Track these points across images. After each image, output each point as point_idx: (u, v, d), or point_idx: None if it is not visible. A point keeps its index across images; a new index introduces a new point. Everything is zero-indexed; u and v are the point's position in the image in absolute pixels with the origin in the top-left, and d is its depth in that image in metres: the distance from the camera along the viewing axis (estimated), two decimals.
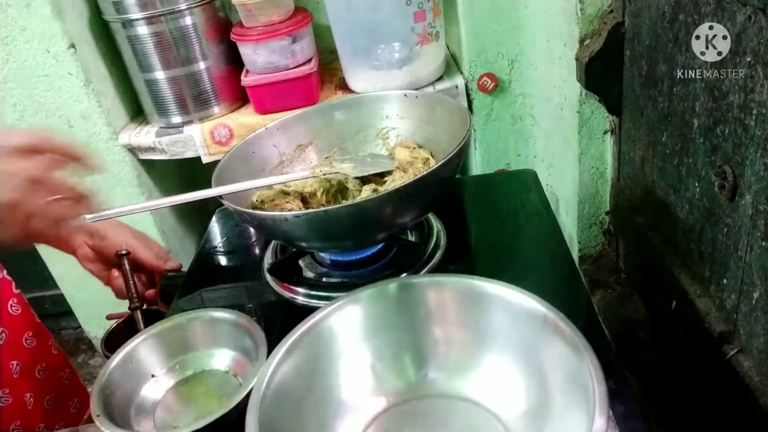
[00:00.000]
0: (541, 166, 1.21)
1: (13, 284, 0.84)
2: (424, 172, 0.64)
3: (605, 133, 0.93)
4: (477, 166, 1.30)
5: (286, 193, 0.79)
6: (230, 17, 1.28)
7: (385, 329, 0.56)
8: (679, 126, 0.67)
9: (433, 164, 0.70)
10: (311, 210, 0.64)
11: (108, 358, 0.64)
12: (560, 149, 1.06)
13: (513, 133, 1.25)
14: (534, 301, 0.50)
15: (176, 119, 1.27)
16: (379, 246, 0.77)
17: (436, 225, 0.80)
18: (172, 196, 0.72)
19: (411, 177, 0.74)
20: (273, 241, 0.84)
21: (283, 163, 0.85)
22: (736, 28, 0.53)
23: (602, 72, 0.83)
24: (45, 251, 1.43)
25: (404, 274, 0.72)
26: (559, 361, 0.48)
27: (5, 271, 0.83)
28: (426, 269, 0.73)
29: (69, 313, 1.60)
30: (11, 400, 0.76)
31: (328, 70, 1.36)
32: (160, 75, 1.22)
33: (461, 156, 0.68)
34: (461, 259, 0.77)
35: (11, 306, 0.81)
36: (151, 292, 0.82)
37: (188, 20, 1.18)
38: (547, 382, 0.49)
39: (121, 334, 0.75)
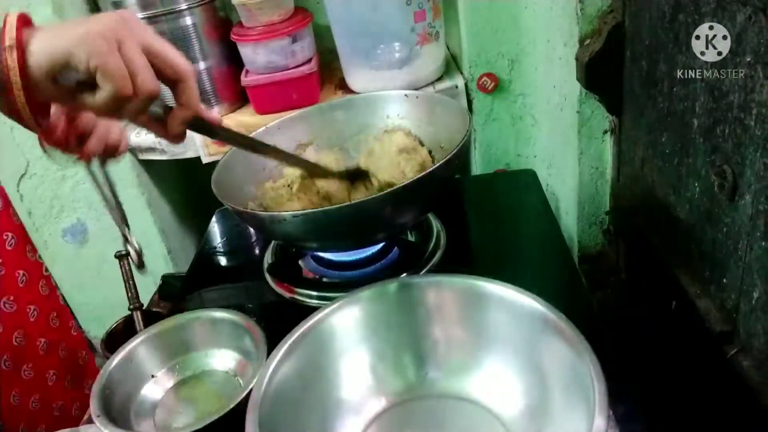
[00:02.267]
0: (541, 167, 1.21)
1: (44, 267, 0.86)
2: (423, 173, 0.64)
3: (605, 133, 0.93)
4: (477, 167, 1.30)
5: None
6: (230, 17, 1.28)
7: (385, 329, 0.56)
8: (679, 126, 0.67)
9: (432, 165, 0.70)
10: (309, 210, 0.64)
11: (108, 358, 0.64)
12: (560, 149, 1.06)
13: (513, 133, 1.25)
14: (534, 301, 0.51)
15: None
16: (379, 246, 0.77)
17: (436, 225, 0.80)
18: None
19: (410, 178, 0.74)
20: (273, 241, 0.84)
21: (283, 163, 0.85)
22: (736, 27, 0.53)
23: (602, 72, 0.83)
24: (45, 251, 1.43)
25: (404, 274, 0.72)
26: (559, 360, 0.48)
27: (38, 254, 0.85)
28: (426, 269, 0.73)
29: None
30: (33, 375, 0.77)
31: (328, 70, 1.36)
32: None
33: (461, 156, 0.68)
34: (461, 259, 0.77)
35: (41, 287, 0.82)
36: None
37: (188, 20, 1.18)
38: (546, 382, 0.49)
39: (121, 334, 0.75)
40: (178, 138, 0.55)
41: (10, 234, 0.77)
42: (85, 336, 0.88)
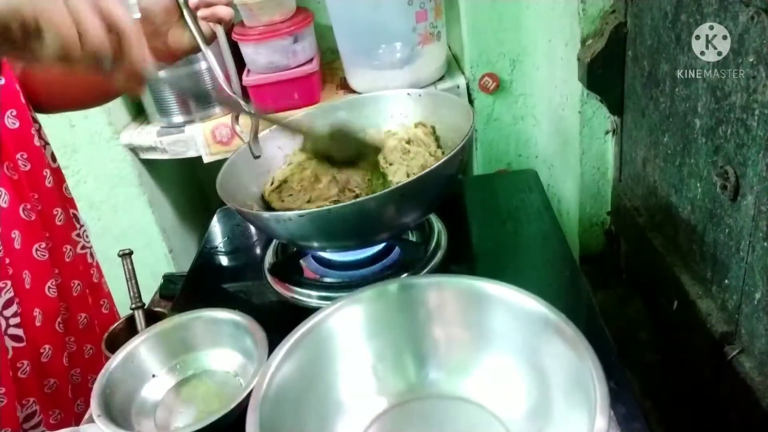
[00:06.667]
0: (542, 167, 1.21)
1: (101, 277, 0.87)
2: (427, 170, 0.64)
3: (607, 133, 0.93)
4: (478, 167, 1.30)
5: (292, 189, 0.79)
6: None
7: (386, 330, 0.56)
8: (681, 126, 0.67)
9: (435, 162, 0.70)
10: (314, 209, 0.64)
11: (109, 358, 0.64)
12: (561, 149, 1.06)
13: (514, 133, 1.25)
14: (535, 301, 0.50)
15: (177, 119, 1.26)
16: (381, 246, 0.77)
17: (437, 225, 0.80)
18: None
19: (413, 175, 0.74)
20: (274, 241, 0.84)
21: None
22: (739, 28, 0.53)
23: (604, 72, 0.83)
24: None
25: (405, 275, 0.72)
26: (561, 361, 0.47)
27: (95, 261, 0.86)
28: (427, 269, 0.73)
29: None
30: (75, 348, 0.80)
31: (329, 70, 1.36)
32: (161, 74, 1.22)
33: (464, 152, 0.68)
34: (462, 260, 0.77)
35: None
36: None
37: None
38: (548, 383, 0.49)
39: (122, 334, 0.75)
40: (135, 89, 0.56)
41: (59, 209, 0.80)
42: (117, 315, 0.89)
